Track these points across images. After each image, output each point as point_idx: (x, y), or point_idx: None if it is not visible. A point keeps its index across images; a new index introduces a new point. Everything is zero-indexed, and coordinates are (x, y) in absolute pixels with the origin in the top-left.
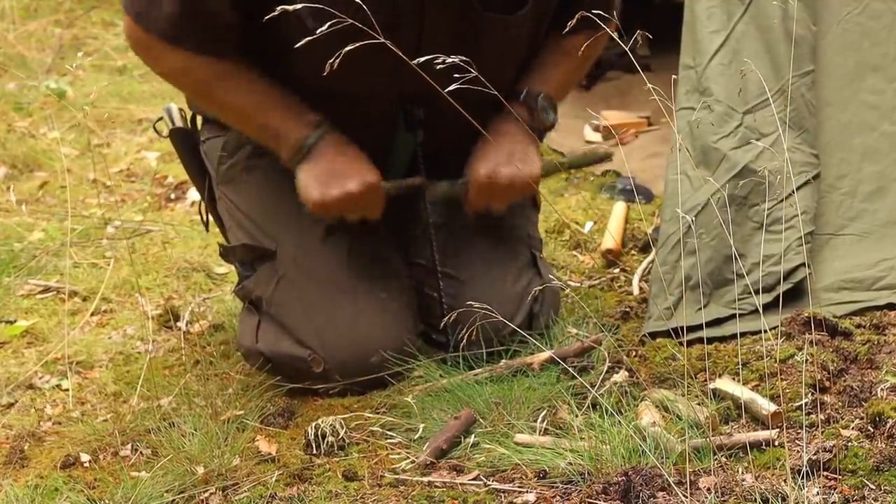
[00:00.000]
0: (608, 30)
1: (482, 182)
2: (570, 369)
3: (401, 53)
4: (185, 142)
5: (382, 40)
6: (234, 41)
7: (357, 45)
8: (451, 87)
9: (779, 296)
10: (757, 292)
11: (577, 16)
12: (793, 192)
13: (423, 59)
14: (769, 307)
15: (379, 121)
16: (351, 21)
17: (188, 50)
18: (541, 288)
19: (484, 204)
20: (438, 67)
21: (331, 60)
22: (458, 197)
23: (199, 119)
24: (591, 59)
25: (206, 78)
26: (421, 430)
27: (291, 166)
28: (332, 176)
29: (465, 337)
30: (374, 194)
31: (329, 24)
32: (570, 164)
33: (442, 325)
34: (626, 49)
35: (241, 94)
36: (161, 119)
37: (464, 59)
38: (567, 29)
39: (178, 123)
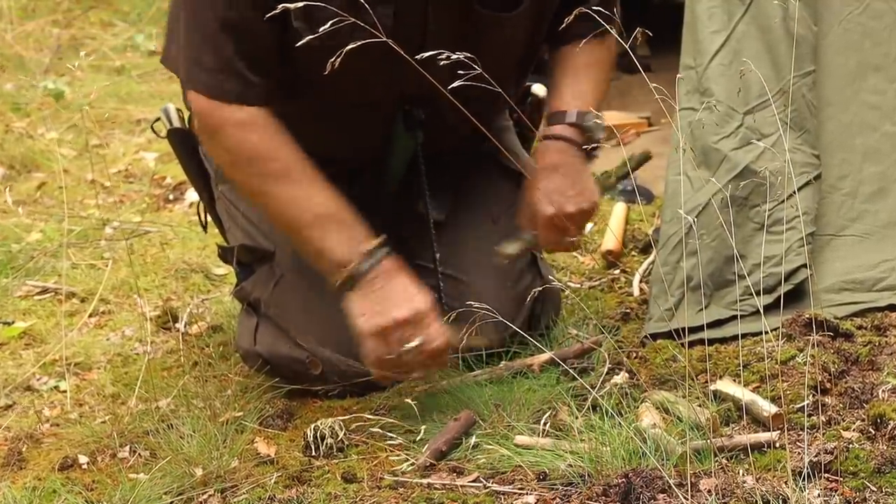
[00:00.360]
0: (612, 31)
1: (550, 223)
2: (570, 371)
3: (405, 55)
4: (183, 142)
5: (385, 39)
6: (275, 81)
7: (359, 43)
8: (457, 84)
9: (780, 297)
10: (758, 293)
11: (577, 14)
12: (794, 192)
13: (427, 54)
14: (770, 308)
15: (379, 122)
16: (353, 20)
17: (234, 103)
18: (541, 289)
19: (555, 241)
20: (441, 63)
21: (332, 60)
22: (532, 247)
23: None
24: (613, 64)
25: (266, 166)
26: (420, 431)
27: (338, 290)
28: (381, 303)
29: (468, 337)
30: (428, 319)
31: (330, 24)
32: (617, 176)
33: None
34: (627, 47)
35: (295, 196)
36: (159, 119)
37: (469, 55)
38: (578, 38)
39: (176, 123)
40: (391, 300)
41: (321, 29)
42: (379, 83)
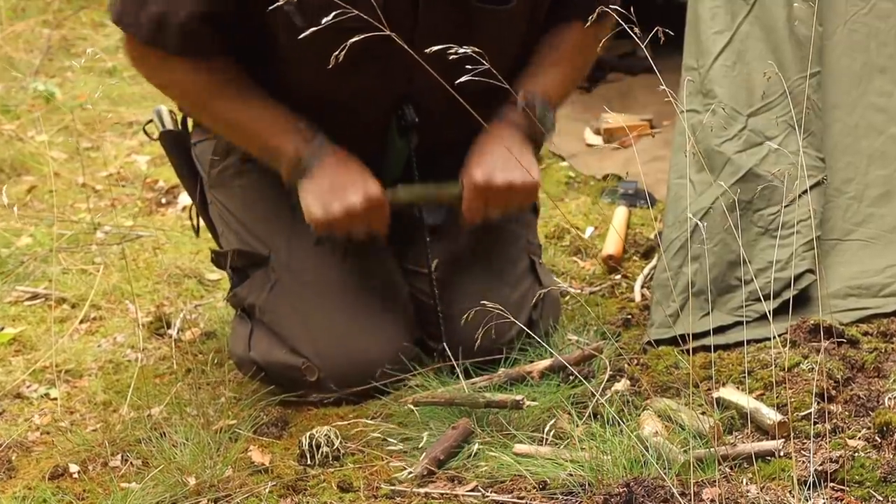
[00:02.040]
0: (606, 17)
1: (478, 187)
2: (575, 372)
3: (403, 45)
4: (175, 144)
5: (383, 33)
6: (220, 43)
7: (352, 41)
8: (463, 79)
9: (784, 303)
10: (762, 299)
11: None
12: (799, 196)
13: (434, 48)
14: (774, 314)
15: (371, 125)
16: (343, 10)
17: (173, 54)
18: (541, 294)
19: (480, 210)
20: (435, 59)
21: (336, 53)
22: (456, 202)
23: (190, 121)
24: (590, 55)
25: (201, 91)
26: (418, 439)
27: (291, 184)
28: (333, 191)
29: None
30: (378, 206)
31: (312, 16)
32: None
33: (442, 348)
34: (642, 45)
35: (237, 110)
36: (151, 121)
37: (475, 49)
38: (569, 19)
39: (169, 126)
40: (344, 187)
41: (310, 30)
42: (368, 83)
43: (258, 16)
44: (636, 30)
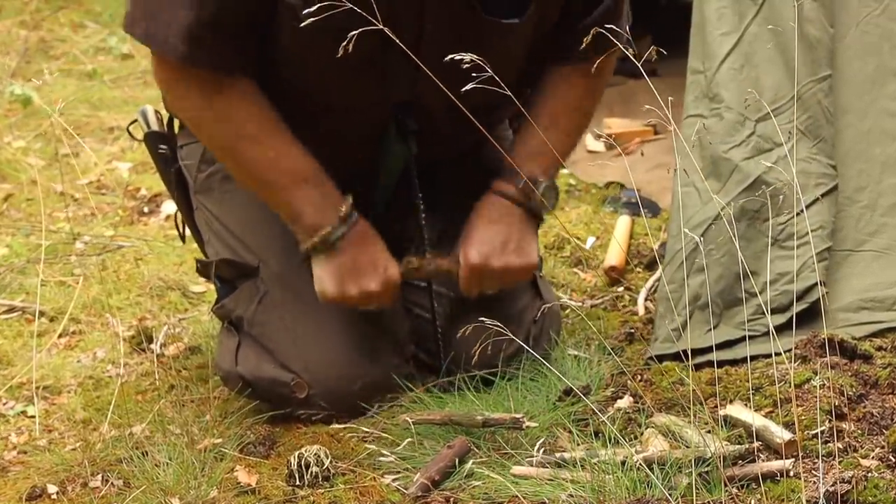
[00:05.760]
0: (615, 50)
1: (473, 268)
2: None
3: (402, 46)
4: (161, 147)
5: (376, 27)
6: (252, 53)
7: (353, 33)
8: (468, 87)
9: (793, 316)
10: (770, 312)
11: (582, 31)
12: (809, 205)
13: (451, 56)
14: (783, 328)
15: (368, 133)
16: (341, 1)
17: (207, 70)
18: (544, 309)
19: (476, 287)
20: (443, 67)
21: (344, 44)
22: (454, 277)
23: (176, 123)
24: (595, 101)
25: (231, 126)
26: (412, 459)
27: (307, 252)
28: (352, 274)
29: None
30: (393, 289)
31: (319, 8)
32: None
33: (439, 364)
34: (638, 63)
35: (269, 157)
36: (135, 122)
37: (479, 58)
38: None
39: (154, 127)
40: (363, 269)
41: (312, 19)
42: (370, 86)
43: (264, 14)
44: (640, 32)
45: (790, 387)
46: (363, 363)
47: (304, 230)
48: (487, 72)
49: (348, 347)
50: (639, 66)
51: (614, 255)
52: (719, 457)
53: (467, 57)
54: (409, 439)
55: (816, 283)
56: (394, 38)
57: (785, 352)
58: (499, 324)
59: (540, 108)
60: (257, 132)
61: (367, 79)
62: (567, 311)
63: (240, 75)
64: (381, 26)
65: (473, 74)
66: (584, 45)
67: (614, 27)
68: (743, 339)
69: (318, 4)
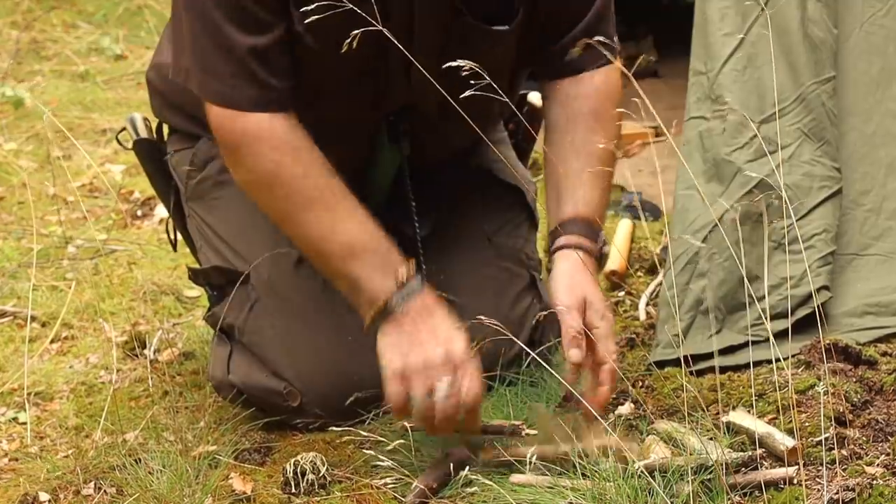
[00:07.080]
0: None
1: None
2: (578, 398)
3: (402, 49)
4: (150, 154)
5: (376, 27)
6: (292, 83)
7: (355, 32)
8: (467, 93)
9: (797, 322)
10: (773, 318)
11: (574, 43)
12: (812, 208)
13: (451, 63)
14: (787, 334)
15: (361, 133)
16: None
17: (252, 110)
18: (544, 314)
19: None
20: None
21: (348, 41)
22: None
23: (165, 129)
24: (618, 118)
25: (291, 189)
26: (410, 466)
27: (368, 321)
28: (413, 343)
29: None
30: (459, 364)
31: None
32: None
33: None
34: (629, 75)
35: (328, 226)
36: (124, 129)
37: (474, 64)
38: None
39: (143, 134)
40: (424, 339)
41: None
42: (364, 97)
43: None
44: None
45: (794, 393)
46: (357, 370)
47: (364, 301)
48: (483, 78)
49: (340, 355)
50: (628, 73)
51: (615, 260)
52: (722, 464)
53: (465, 64)
54: (406, 447)
55: (820, 288)
56: (392, 38)
57: (788, 357)
58: (498, 324)
59: (568, 160)
60: (311, 194)
61: (364, 91)
62: None
63: (282, 110)
64: (380, 27)
65: (471, 81)
66: (567, 53)
67: (601, 38)
68: (746, 344)
69: (317, 13)
